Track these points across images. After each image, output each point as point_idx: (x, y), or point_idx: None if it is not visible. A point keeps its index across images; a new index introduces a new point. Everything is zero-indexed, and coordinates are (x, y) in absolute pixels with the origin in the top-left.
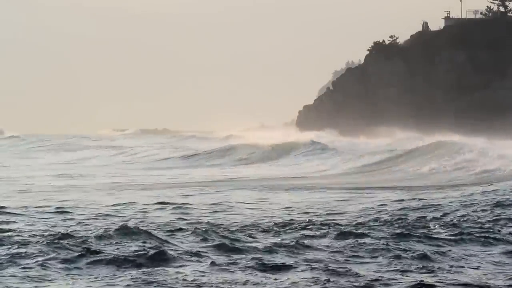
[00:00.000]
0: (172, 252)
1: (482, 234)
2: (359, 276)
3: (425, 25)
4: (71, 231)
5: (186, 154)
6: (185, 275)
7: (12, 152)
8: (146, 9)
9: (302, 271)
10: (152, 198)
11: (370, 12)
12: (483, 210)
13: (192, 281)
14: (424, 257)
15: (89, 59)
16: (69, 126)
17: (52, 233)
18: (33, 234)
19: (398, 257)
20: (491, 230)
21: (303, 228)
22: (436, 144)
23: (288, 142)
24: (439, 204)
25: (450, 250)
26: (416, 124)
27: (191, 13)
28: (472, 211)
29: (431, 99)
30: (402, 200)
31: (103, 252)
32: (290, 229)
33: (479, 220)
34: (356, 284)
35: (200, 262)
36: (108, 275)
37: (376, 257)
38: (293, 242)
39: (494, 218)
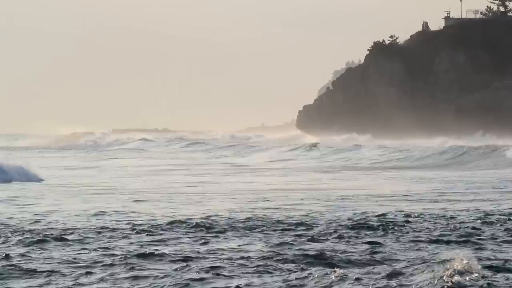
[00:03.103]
0: None
1: None
2: None
3: (425, 25)
4: None
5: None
6: None
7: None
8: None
9: None
10: None
11: (370, 12)
12: None
13: None
14: None
15: (90, 60)
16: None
17: None
18: None
19: None
20: None
21: None
22: None
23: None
24: None
25: None
26: (416, 124)
27: (192, 14)
28: None
29: (431, 99)
30: None
31: None
32: None
33: None
34: None
35: None
36: None
37: None
38: None
39: None
